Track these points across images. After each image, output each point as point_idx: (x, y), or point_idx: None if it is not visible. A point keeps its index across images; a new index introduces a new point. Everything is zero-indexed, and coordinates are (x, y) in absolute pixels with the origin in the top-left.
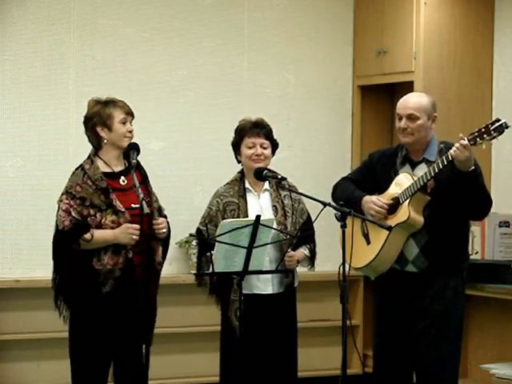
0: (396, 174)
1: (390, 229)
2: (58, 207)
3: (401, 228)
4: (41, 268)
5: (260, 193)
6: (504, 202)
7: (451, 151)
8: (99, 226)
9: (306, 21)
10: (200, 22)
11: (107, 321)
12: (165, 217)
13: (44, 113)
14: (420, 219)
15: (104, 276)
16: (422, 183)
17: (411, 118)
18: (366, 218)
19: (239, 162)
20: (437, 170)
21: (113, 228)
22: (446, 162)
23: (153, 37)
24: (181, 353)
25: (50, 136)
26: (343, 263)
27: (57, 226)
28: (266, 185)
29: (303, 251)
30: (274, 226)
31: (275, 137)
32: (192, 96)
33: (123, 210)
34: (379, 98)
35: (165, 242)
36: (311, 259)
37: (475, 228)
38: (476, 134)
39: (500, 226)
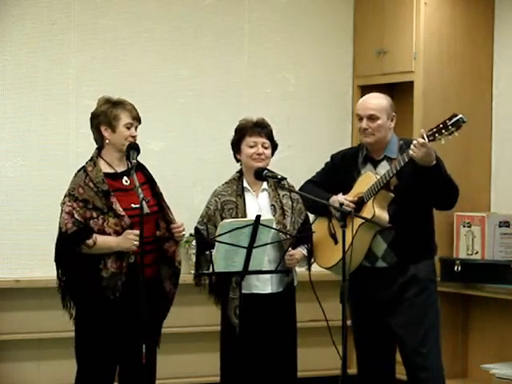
0: (359, 173)
1: (389, 228)
2: (61, 210)
3: (367, 226)
4: (41, 268)
5: (258, 192)
6: (504, 202)
7: (409, 150)
8: (102, 229)
9: (306, 21)
10: (200, 21)
11: (113, 324)
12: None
13: (44, 113)
14: (385, 216)
15: (108, 280)
16: (384, 181)
17: (372, 118)
18: (366, 219)
19: (238, 161)
20: (398, 168)
21: (116, 231)
22: (406, 159)
23: (153, 37)
24: (181, 353)
25: (50, 136)
26: (343, 263)
27: (60, 228)
28: (265, 184)
29: (301, 251)
30: (274, 226)
31: (275, 137)
32: (192, 96)
33: (123, 213)
34: None
35: None
36: (308, 259)
37: (475, 228)
38: (434, 129)
39: (500, 226)
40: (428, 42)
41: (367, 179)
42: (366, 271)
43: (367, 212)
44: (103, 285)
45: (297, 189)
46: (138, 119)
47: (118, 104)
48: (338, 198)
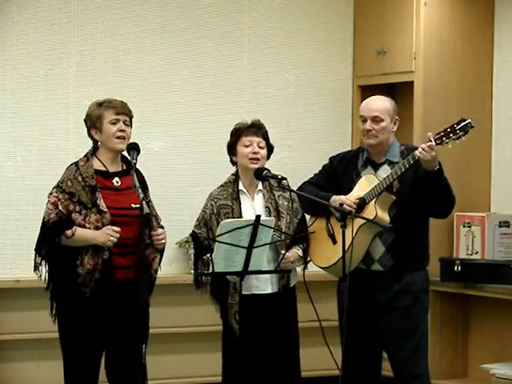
0: (358, 175)
1: (390, 229)
2: (48, 200)
3: (367, 227)
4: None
5: (254, 194)
6: (504, 202)
7: (417, 152)
8: (83, 224)
9: (306, 21)
10: (200, 21)
11: (91, 320)
12: (161, 227)
13: (44, 113)
14: (386, 218)
15: (84, 277)
16: (387, 183)
17: (376, 120)
18: (367, 219)
19: (234, 164)
20: (403, 170)
21: (97, 227)
22: (412, 162)
23: (153, 37)
24: (181, 353)
25: (50, 136)
26: (343, 263)
27: (43, 218)
28: (260, 186)
29: (297, 251)
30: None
31: (273, 137)
32: (192, 96)
33: (105, 210)
34: None
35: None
36: (304, 259)
37: (475, 228)
38: (442, 133)
39: (500, 226)
40: (428, 42)
41: (368, 181)
42: (361, 273)
43: (369, 213)
44: (78, 281)
45: (295, 188)
46: (125, 113)
47: (102, 104)
48: (340, 198)
